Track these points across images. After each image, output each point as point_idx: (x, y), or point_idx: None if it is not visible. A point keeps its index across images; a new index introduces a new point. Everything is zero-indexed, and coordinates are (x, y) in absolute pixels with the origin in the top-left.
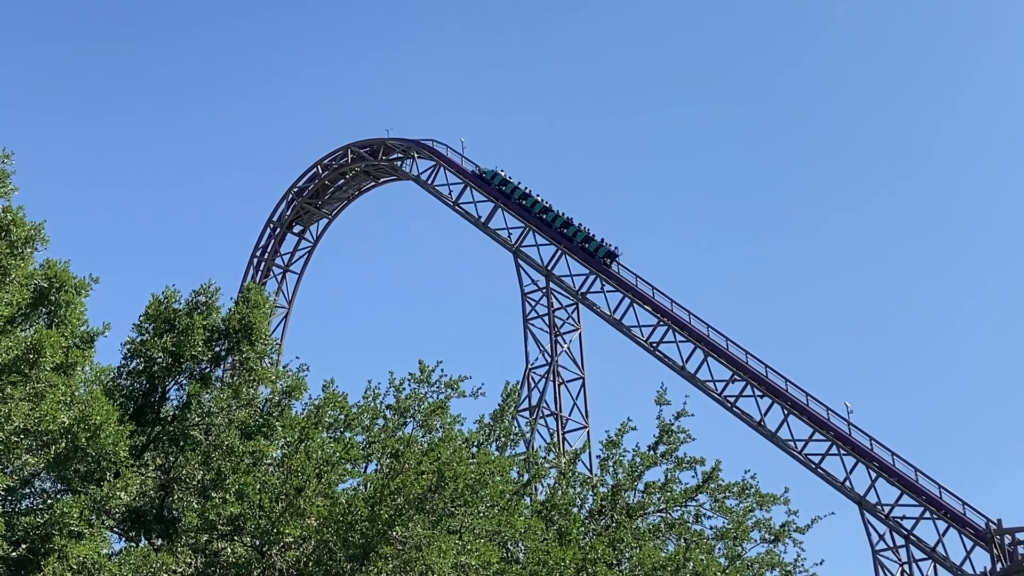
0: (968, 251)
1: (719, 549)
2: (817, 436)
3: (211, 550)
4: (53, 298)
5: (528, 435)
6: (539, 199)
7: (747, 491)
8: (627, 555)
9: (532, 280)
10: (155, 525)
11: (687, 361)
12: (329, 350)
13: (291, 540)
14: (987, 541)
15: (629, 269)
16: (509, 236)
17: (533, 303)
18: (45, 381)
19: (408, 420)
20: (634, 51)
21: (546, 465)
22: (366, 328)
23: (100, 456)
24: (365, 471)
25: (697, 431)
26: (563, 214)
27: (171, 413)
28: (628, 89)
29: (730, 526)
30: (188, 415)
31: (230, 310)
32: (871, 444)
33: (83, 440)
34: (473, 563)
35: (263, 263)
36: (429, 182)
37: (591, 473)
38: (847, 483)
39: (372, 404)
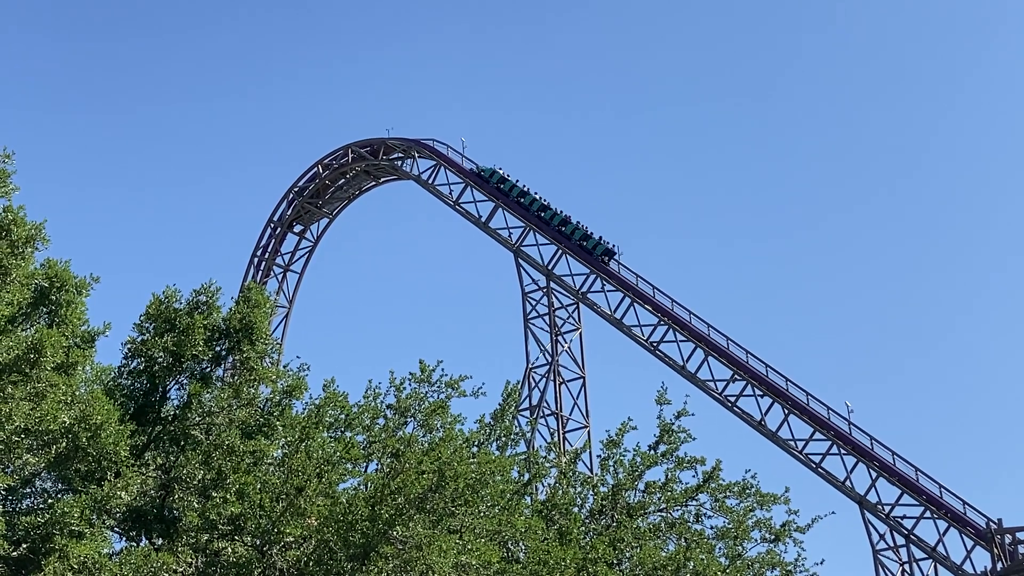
0: (968, 251)
1: (719, 549)
2: (817, 436)
3: (212, 550)
4: (54, 298)
5: (529, 435)
6: (537, 197)
7: (747, 491)
8: (628, 555)
9: (532, 279)
10: (156, 525)
11: (687, 360)
12: (329, 350)
13: (292, 540)
14: (987, 541)
15: (629, 268)
16: (509, 235)
17: (533, 302)
18: (46, 381)
19: (409, 420)
20: (634, 50)
21: (547, 465)
22: (366, 328)
23: (101, 456)
24: (366, 471)
25: (697, 431)
26: (561, 212)
27: (172, 413)
28: (628, 88)
29: (730, 526)
30: (189, 415)
31: (231, 310)
32: (871, 444)
33: (84, 440)
34: (474, 563)
35: (263, 263)
36: (429, 182)
37: (591, 473)
38: (847, 483)
39: (373, 404)
